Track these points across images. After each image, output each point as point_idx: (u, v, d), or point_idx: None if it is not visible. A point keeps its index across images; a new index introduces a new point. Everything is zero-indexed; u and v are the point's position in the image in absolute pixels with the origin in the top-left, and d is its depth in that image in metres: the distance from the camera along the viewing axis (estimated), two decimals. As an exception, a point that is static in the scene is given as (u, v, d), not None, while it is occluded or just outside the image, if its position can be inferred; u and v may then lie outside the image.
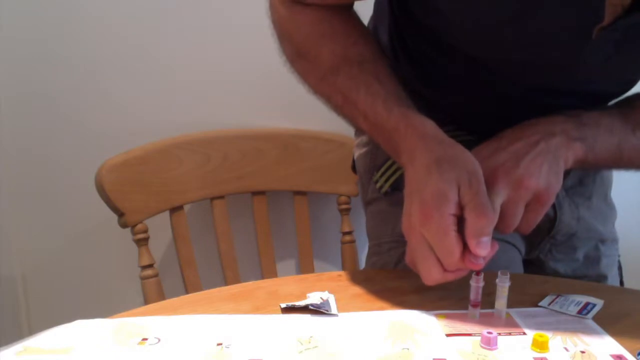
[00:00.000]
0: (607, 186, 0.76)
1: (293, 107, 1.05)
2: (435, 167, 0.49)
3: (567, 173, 0.70)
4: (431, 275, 0.49)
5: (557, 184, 0.53)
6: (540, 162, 0.52)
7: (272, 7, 0.64)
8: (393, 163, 0.70)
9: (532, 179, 0.51)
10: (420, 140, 0.52)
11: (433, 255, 0.48)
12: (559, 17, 0.50)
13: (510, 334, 0.49)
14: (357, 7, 0.64)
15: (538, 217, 0.53)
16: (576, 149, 0.54)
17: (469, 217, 0.47)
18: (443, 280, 0.49)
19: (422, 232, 0.48)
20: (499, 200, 0.51)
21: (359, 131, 0.80)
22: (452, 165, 0.49)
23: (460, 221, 0.48)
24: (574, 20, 0.50)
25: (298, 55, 0.63)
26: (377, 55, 0.60)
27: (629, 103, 0.62)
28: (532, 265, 0.73)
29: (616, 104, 0.63)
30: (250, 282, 0.60)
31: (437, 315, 0.52)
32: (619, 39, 0.51)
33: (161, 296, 0.89)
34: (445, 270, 0.49)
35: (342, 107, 0.60)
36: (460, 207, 0.48)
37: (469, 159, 0.50)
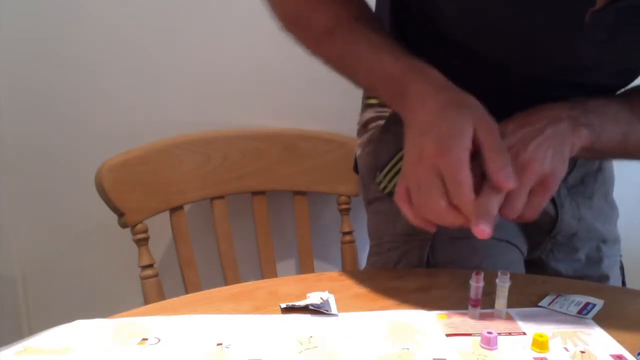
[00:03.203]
0: (608, 186, 0.76)
1: (293, 107, 1.05)
2: (449, 107, 0.49)
3: (569, 172, 0.70)
4: (436, 206, 0.48)
5: (562, 169, 0.52)
6: (547, 147, 0.52)
7: None
8: (396, 163, 0.70)
9: (538, 163, 0.51)
10: (430, 85, 0.53)
11: (441, 187, 0.48)
12: (551, 1, 0.50)
13: (510, 334, 0.49)
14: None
15: (543, 202, 0.53)
16: (583, 135, 0.54)
17: (490, 154, 0.47)
18: (444, 217, 0.48)
19: (436, 162, 0.48)
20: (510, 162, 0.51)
21: (361, 130, 0.80)
22: (466, 106, 0.50)
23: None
24: (566, 3, 0.50)
25: (291, 20, 0.63)
26: (371, 15, 0.61)
27: (635, 93, 0.62)
28: (534, 265, 0.73)
29: (622, 93, 0.63)
30: (250, 282, 0.60)
31: (437, 315, 0.52)
32: (611, 24, 0.51)
33: (161, 296, 0.89)
34: (447, 205, 0.48)
35: (342, 63, 0.60)
36: (474, 147, 0.48)
37: (479, 104, 0.51)
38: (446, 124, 0.48)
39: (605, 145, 0.56)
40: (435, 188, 0.48)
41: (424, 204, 0.49)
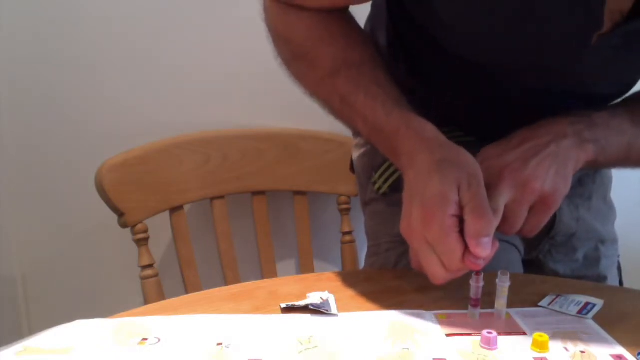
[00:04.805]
0: (606, 186, 0.76)
1: (293, 107, 1.05)
2: (436, 169, 0.49)
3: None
4: (436, 276, 0.49)
5: (564, 188, 0.52)
6: (548, 165, 0.51)
7: (267, 11, 0.63)
8: (391, 164, 0.70)
9: (538, 181, 0.50)
10: (421, 142, 0.52)
11: (435, 256, 0.48)
12: (557, 24, 0.50)
13: (510, 334, 0.49)
14: (354, 8, 0.63)
15: (542, 221, 0.53)
16: (588, 150, 0.54)
17: (468, 218, 0.47)
18: (449, 279, 0.49)
19: (423, 233, 0.48)
20: (503, 200, 0.51)
21: (357, 133, 0.80)
22: (452, 167, 0.49)
23: (462, 222, 0.48)
24: (573, 27, 0.50)
25: (295, 58, 0.63)
26: (375, 59, 0.60)
27: (635, 102, 0.62)
28: (532, 265, 0.73)
29: (622, 102, 0.63)
30: (250, 282, 0.60)
31: (437, 315, 0.52)
32: (617, 45, 0.51)
33: (161, 296, 0.89)
34: (448, 271, 0.49)
35: (340, 109, 0.60)
36: (461, 208, 0.48)
37: (469, 160, 0.50)
38: (431, 190, 0.48)
39: (609, 158, 0.56)
40: (430, 257, 0.48)
41: (426, 272, 0.50)
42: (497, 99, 0.61)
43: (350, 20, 0.63)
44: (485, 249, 0.46)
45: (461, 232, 0.47)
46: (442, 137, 0.53)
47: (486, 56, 0.56)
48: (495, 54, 0.56)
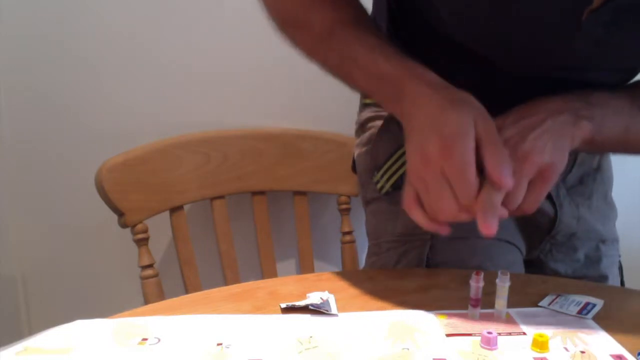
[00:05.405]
0: (607, 185, 0.76)
1: (293, 107, 1.05)
2: (450, 106, 0.49)
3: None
4: (447, 210, 0.49)
5: (562, 162, 0.52)
6: (546, 139, 0.52)
7: None
8: (394, 163, 0.70)
9: (537, 154, 0.51)
10: (428, 86, 0.52)
11: (448, 189, 0.48)
12: (548, 1, 0.50)
13: (510, 334, 0.49)
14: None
15: (542, 195, 0.53)
16: (584, 127, 0.54)
17: (489, 150, 0.47)
18: (457, 216, 0.49)
19: (442, 165, 0.48)
20: (509, 160, 0.51)
21: (359, 130, 0.80)
22: (466, 104, 0.50)
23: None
24: (564, 2, 0.50)
25: (287, 23, 0.63)
26: (368, 18, 0.61)
27: (636, 87, 0.62)
28: (533, 265, 0.73)
29: (624, 87, 0.63)
30: (250, 282, 0.60)
31: (437, 315, 0.52)
32: (607, 22, 0.51)
33: (161, 296, 0.89)
34: (461, 206, 0.48)
35: (339, 65, 0.60)
36: (477, 144, 0.48)
37: (476, 100, 0.51)
38: (448, 124, 0.48)
39: (606, 138, 0.56)
40: (445, 191, 0.48)
41: (435, 207, 0.49)
42: (494, 88, 0.61)
43: None
44: (508, 177, 0.47)
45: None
46: (447, 82, 0.53)
47: (477, 37, 0.57)
48: (486, 34, 0.56)
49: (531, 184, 0.51)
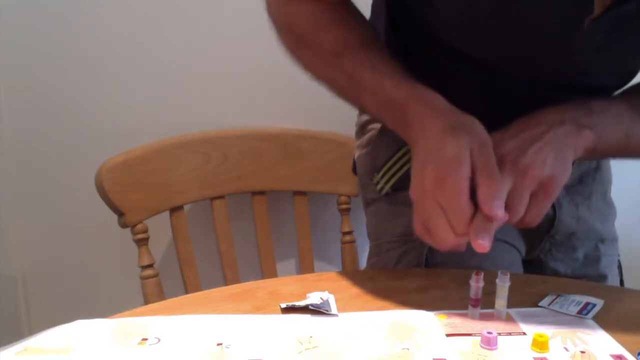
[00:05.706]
0: (606, 185, 0.76)
1: (293, 107, 1.05)
2: (449, 133, 0.49)
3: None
4: (444, 239, 0.49)
5: (564, 174, 0.52)
6: (547, 152, 0.51)
7: (269, 2, 0.64)
8: (393, 164, 0.70)
9: (537, 168, 0.50)
10: (431, 110, 0.52)
11: (445, 219, 0.48)
12: (548, 8, 0.50)
13: (510, 334, 0.49)
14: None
15: (544, 208, 0.52)
16: (586, 137, 0.54)
17: (482, 181, 0.47)
18: (456, 245, 0.49)
19: (436, 195, 0.48)
20: (505, 188, 0.51)
21: (360, 131, 0.80)
22: (465, 132, 0.49)
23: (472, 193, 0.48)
24: (564, 11, 0.50)
25: (298, 44, 0.64)
26: (377, 40, 0.61)
27: (635, 92, 0.62)
28: (532, 265, 0.73)
29: (622, 93, 0.63)
30: (250, 282, 0.60)
31: (437, 315, 0.52)
32: (608, 30, 0.51)
33: (161, 296, 0.89)
34: (456, 234, 0.48)
35: (347, 88, 0.61)
36: (473, 172, 0.48)
37: (479, 127, 0.50)
38: (445, 152, 0.48)
39: (607, 145, 0.56)
40: (440, 221, 0.48)
41: (436, 236, 0.50)
42: (494, 88, 0.61)
43: (351, 7, 0.63)
44: (500, 208, 0.46)
45: (471, 198, 0.47)
46: (451, 105, 0.53)
47: (478, 44, 0.57)
48: (486, 41, 0.56)
49: (533, 197, 0.51)
